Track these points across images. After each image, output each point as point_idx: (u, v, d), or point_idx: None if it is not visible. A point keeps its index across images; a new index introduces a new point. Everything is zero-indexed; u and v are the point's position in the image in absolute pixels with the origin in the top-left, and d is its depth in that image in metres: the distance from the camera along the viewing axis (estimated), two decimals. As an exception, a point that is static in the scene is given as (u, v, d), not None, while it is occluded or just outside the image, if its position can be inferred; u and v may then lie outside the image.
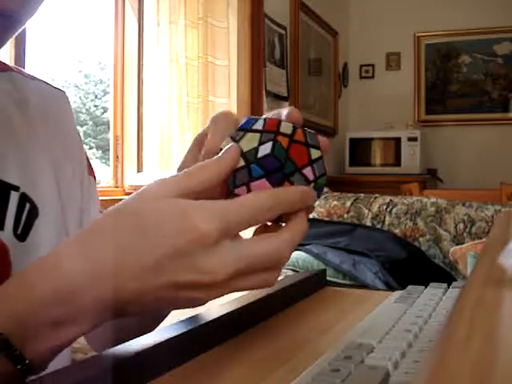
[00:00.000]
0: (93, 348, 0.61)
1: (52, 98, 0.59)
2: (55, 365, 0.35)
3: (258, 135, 0.38)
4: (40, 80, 0.59)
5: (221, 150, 0.39)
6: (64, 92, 0.61)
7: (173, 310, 0.36)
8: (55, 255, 0.35)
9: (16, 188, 0.49)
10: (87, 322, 0.34)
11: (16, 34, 0.47)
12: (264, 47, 2.82)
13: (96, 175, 0.62)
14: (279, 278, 0.41)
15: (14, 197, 0.49)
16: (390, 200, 2.40)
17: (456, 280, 1.89)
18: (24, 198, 0.49)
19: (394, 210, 2.36)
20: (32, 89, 0.56)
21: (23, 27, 0.47)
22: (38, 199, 0.51)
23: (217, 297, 0.36)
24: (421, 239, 2.28)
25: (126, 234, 0.34)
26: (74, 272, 0.33)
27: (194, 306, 0.36)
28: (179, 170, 0.43)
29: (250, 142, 0.38)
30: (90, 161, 0.62)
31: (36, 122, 0.54)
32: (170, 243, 0.33)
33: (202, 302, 0.36)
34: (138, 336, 0.38)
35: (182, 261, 0.33)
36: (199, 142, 0.44)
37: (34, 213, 0.50)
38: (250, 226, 0.36)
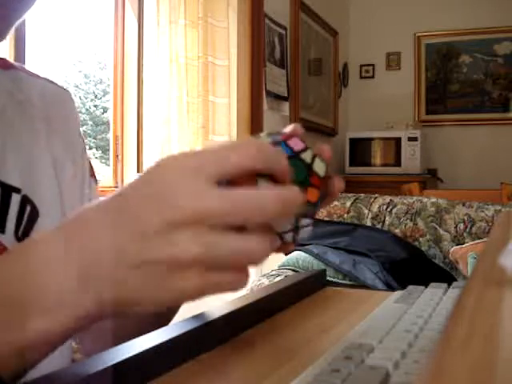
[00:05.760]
0: (85, 352, 0.57)
1: (56, 97, 0.58)
2: (55, 365, 0.35)
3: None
4: (45, 79, 0.58)
5: None
6: (69, 92, 0.60)
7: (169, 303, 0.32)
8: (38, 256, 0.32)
9: (17, 190, 0.49)
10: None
11: (14, 25, 0.46)
12: (264, 47, 2.82)
13: (97, 177, 0.62)
14: (279, 278, 0.40)
15: (15, 199, 0.48)
16: (390, 200, 2.40)
17: (456, 280, 1.89)
18: (25, 200, 0.49)
19: (394, 210, 2.36)
20: (35, 88, 0.55)
21: (22, 19, 0.46)
22: (38, 201, 0.50)
23: (195, 288, 0.31)
24: (421, 239, 2.27)
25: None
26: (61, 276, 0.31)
27: (182, 299, 0.32)
28: None
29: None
30: (91, 161, 0.62)
31: (38, 121, 0.54)
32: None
33: (187, 292, 0.32)
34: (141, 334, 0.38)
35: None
36: None
37: (34, 214, 0.50)
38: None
